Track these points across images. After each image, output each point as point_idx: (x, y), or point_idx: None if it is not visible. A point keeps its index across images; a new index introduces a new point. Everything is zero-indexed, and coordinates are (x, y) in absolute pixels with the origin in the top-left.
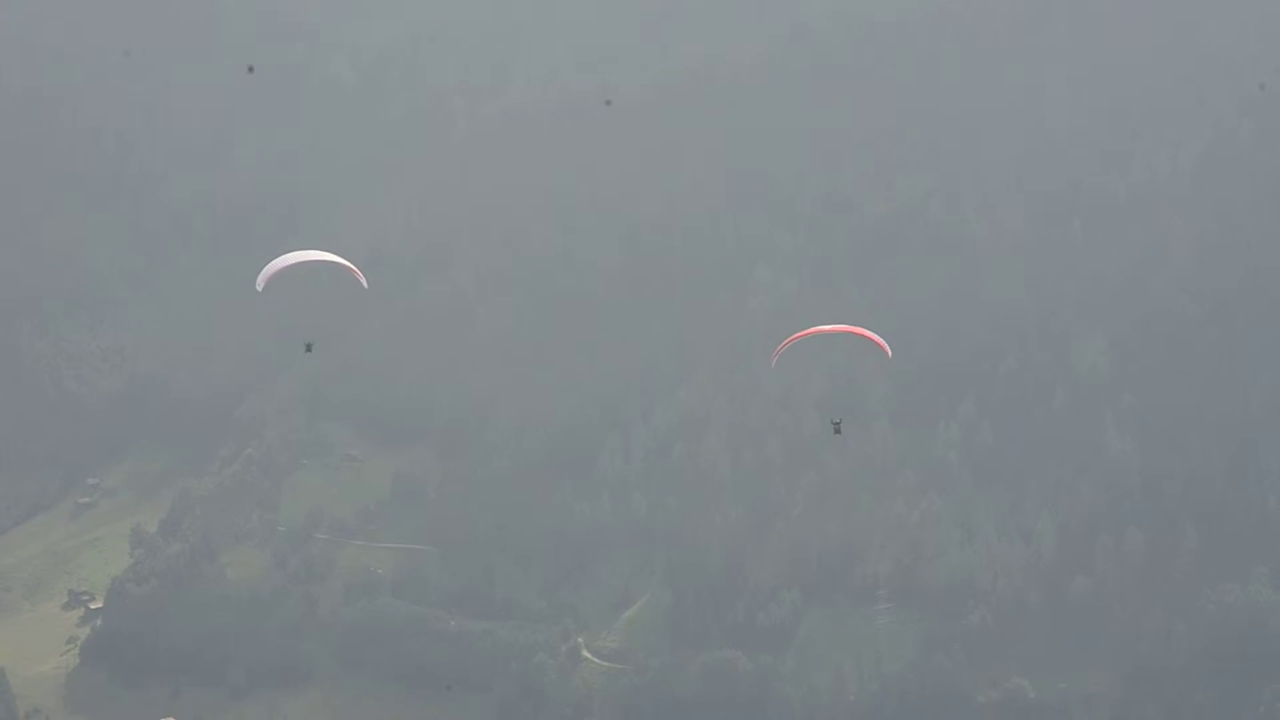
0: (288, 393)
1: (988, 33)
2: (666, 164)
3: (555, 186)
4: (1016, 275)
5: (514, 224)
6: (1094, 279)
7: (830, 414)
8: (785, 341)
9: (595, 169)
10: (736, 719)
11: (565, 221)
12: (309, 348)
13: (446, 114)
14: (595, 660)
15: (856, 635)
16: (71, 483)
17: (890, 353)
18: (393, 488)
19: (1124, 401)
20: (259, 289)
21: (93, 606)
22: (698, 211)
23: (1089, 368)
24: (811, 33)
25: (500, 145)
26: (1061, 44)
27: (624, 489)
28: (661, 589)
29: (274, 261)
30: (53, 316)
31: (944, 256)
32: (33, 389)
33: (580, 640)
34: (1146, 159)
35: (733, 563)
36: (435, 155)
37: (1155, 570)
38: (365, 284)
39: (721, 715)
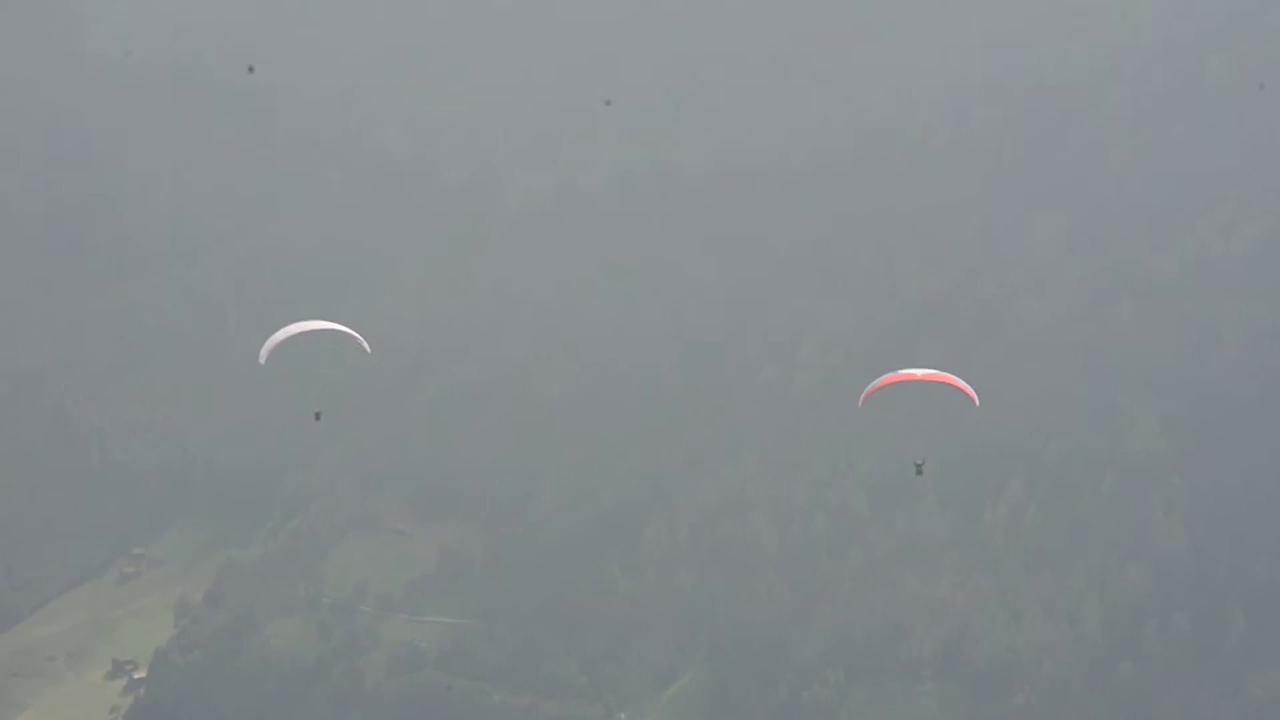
0: (335, 464)
1: (1040, 110)
2: (717, 239)
3: (606, 260)
4: (1066, 354)
5: (563, 297)
6: (1145, 359)
7: (876, 494)
8: (875, 385)
9: (646, 242)
10: None
11: (615, 295)
12: (318, 416)
13: (498, 186)
14: None
15: (901, 716)
16: (117, 552)
17: (978, 401)
18: (438, 561)
19: (1173, 484)
20: (262, 361)
21: (136, 676)
22: (746, 286)
23: (1139, 449)
24: (862, 114)
25: (552, 218)
26: (1114, 122)
27: (669, 565)
28: (705, 666)
29: (276, 334)
30: (101, 382)
31: (993, 334)
32: (80, 456)
33: (623, 716)
34: (1199, 238)
35: (777, 640)
36: (487, 227)
37: (1202, 655)
38: (368, 348)
39: None
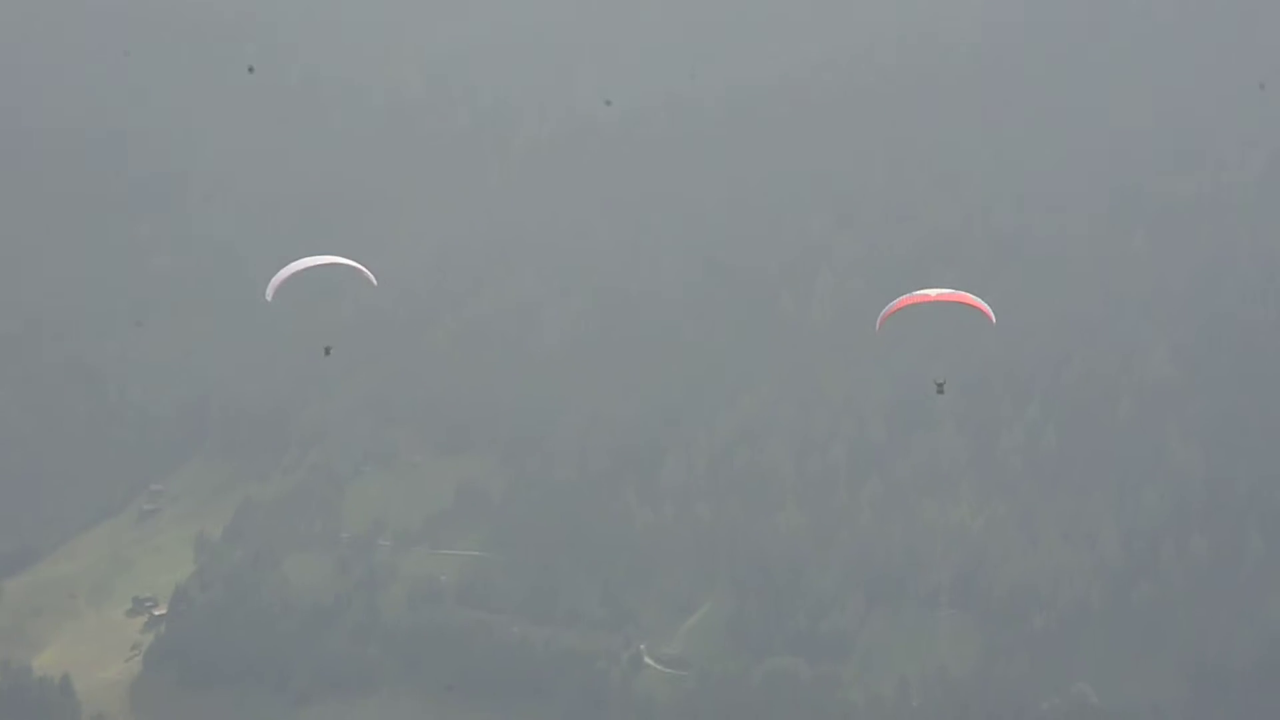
0: (350, 400)
1: (1055, 37)
2: (731, 170)
3: (618, 193)
4: (1082, 280)
5: (577, 231)
6: (1160, 284)
7: (893, 421)
8: (891, 308)
9: (660, 175)
10: None
11: (629, 228)
12: (328, 351)
13: (511, 121)
14: (657, 667)
15: (920, 642)
16: (135, 489)
17: (994, 318)
18: (456, 495)
19: (1189, 408)
20: (268, 299)
21: (156, 613)
22: (761, 216)
23: (1154, 374)
24: (877, 43)
25: (563, 152)
26: (1129, 48)
27: (687, 496)
28: (724, 596)
29: (281, 270)
30: (115, 323)
31: (1009, 261)
32: (96, 395)
33: (642, 647)
34: (1214, 164)
35: (796, 569)
36: (500, 162)
37: (1219, 576)
38: (374, 281)
39: None
